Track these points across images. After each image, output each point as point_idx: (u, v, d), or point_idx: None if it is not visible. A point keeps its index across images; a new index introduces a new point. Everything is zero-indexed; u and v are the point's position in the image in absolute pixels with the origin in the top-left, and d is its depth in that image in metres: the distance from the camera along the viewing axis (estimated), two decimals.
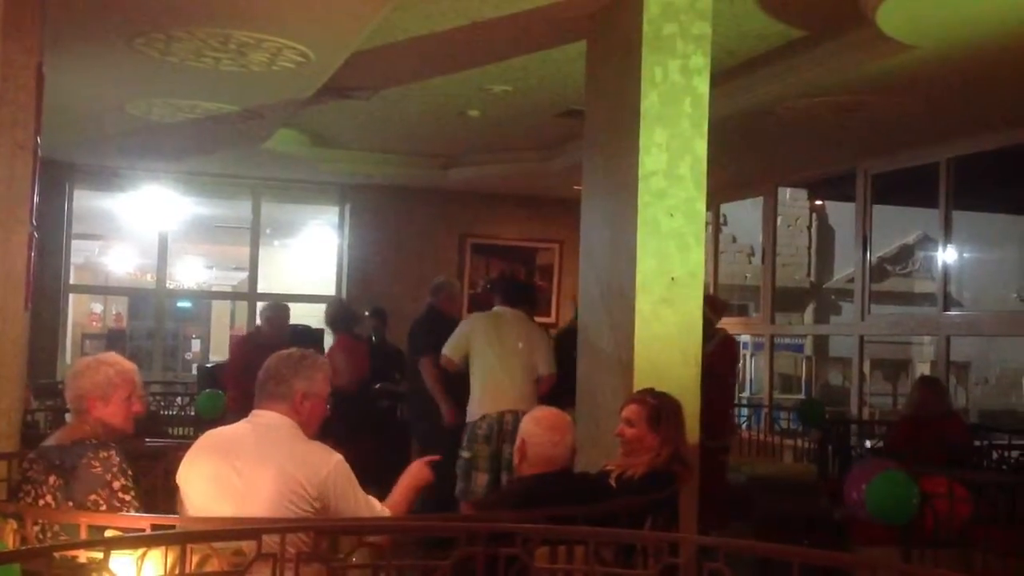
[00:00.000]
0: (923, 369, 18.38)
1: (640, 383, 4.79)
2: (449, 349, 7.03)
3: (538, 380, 6.90)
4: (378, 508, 3.62)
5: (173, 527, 3.26)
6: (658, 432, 4.31)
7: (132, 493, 3.68)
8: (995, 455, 7.46)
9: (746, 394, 17.50)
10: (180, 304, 18.53)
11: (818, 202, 17.13)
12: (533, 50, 6.56)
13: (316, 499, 3.40)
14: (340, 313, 8.98)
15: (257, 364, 3.76)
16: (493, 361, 6.87)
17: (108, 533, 3.14)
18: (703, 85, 5.10)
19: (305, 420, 3.60)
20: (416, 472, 3.88)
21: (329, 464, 3.47)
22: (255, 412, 3.63)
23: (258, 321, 9.16)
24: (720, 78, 5.74)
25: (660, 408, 4.38)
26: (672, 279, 4.99)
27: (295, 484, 3.39)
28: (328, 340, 9.35)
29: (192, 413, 9.03)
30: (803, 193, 16.14)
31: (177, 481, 3.63)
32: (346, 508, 3.44)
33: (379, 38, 6.15)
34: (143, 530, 3.11)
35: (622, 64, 5.20)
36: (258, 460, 3.45)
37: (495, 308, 7.19)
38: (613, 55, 5.36)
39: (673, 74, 5.03)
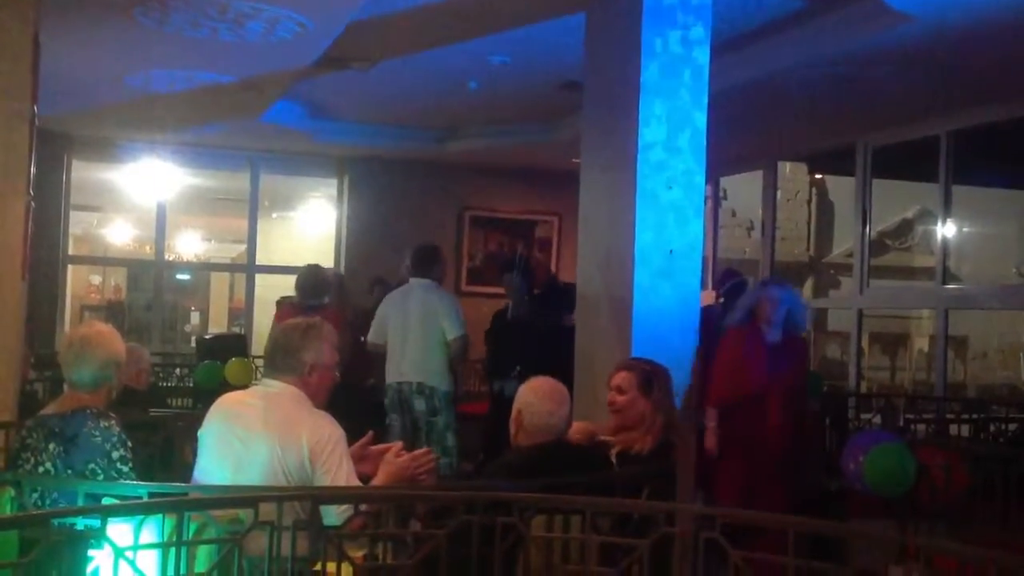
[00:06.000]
0: (921, 343, 18.40)
1: (637, 355, 4.79)
2: (371, 335, 7.36)
3: (448, 344, 7.10)
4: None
5: (170, 495, 3.27)
6: (650, 398, 4.31)
7: (130, 465, 3.70)
8: (992, 428, 7.48)
9: None
10: (179, 276, 18.50)
11: (818, 176, 17.12)
12: (532, 21, 6.52)
13: (311, 463, 3.40)
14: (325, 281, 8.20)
15: None
16: (395, 335, 7.17)
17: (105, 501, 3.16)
18: (703, 56, 5.08)
19: (314, 391, 3.61)
20: (398, 470, 3.67)
21: (328, 430, 3.48)
22: (264, 381, 3.66)
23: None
24: (720, 49, 5.71)
25: (651, 374, 4.38)
26: (670, 252, 5.00)
27: (293, 449, 3.39)
28: None
29: (191, 384, 9.05)
30: (803, 167, 16.11)
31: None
32: (334, 480, 3.43)
33: (377, 7, 6.11)
34: (140, 498, 3.12)
35: (621, 35, 5.18)
36: (259, 427, 3.47)
37: (409, 281, 7.33)
38: (613, 26, 5.34)
39: (673, 45, 5.02)
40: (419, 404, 7.08)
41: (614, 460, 4.23)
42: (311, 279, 7.89)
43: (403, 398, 7.11)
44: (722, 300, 7.49)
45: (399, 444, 3.86)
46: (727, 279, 7.74)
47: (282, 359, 3.61)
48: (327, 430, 3.48)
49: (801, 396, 6.09)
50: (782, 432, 5.76)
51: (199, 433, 3.65)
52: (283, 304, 9.06)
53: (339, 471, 3.44)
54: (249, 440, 3.46)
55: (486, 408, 8.28)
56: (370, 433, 3.94)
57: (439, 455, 7.02)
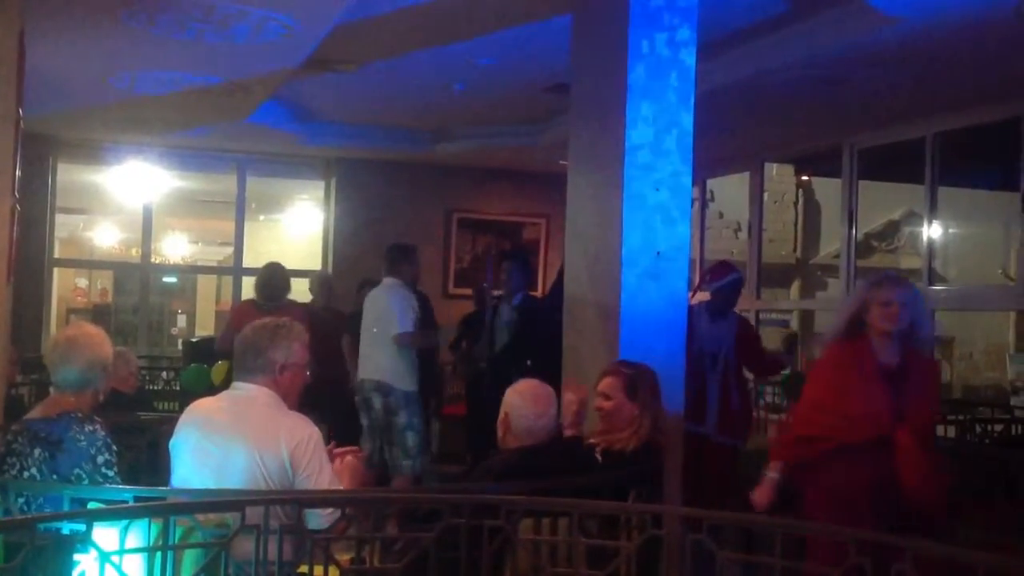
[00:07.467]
0: None
1: (624, 357, 4.79)
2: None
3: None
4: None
5: (156, 499, 3.26)
6: (636, 401, 4.32)
7: (115, 469, 3.68)
8: (978, 429, 7.51)
9: None
10: (165, 279, 18.43)
11: (804, 178, 17.15)
12: (519, 22, 6.52)
13: (291, 466, 3.39)
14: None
15: None
16: (363, 333, 7.28)
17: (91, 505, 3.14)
18: (690, 58, 5.08)
19: (285, 391, 3.59)
20: (355, 471, 3.74)
21: (306, 432, 3.47)
22: (235, 385, 3.62)
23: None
24: (707, 51, 5.71)
25: (636, 377, 4.38)
26: (657, 253, 4.99)
27: (272, 454, 3.37)
28: None
29: (178, 388, 9.02)
30: (789, 169, 16.12)
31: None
32: (316, 482, 3.42)
33: (363, 9, 6.10)
34: (126, 502, 3.11)
35: (608, 37, 5.18)
36: (235, 432, 3.45)
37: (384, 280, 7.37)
38: (599, 28, 5.34)
39: (660, 47, 5.02)
40: (376, 402, 7.08)
41: (599, 457, 4.24)
42: (266, 278, 7.77)
43: (365, 396, 7.14)
44: (709, 298, 6.76)
45: (360, 452, 3.84)
46: (720, 274, 6.77)
47: (252, 360, 3.57)
48: (305, 432, 3.46)
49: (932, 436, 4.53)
50: (922, 492, 4.01)
51: (171, 443, 3.61)
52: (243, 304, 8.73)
53: (321, 473, 3.43)
54: (227, 447, 3.43)
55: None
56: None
57: (400, 455, 7.00)
